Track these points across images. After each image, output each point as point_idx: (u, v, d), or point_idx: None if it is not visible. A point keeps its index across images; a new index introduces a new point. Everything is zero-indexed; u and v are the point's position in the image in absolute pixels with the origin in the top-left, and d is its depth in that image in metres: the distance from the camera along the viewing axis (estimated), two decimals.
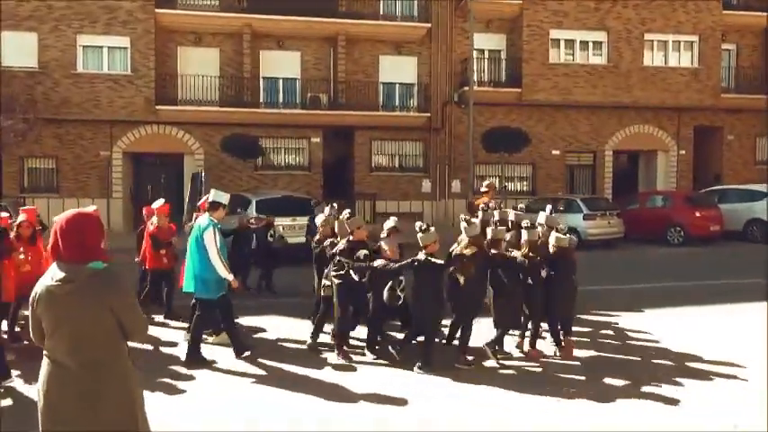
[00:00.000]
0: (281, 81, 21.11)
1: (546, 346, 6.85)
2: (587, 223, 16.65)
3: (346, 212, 7.03)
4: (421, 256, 6.18)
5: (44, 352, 2.80)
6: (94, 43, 19.88)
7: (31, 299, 2.79)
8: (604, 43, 22.00)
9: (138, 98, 19.80)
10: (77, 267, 2.73)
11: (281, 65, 21.04)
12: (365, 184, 21.30)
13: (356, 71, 21.29)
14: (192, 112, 19.96)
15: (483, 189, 10.23)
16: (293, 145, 21.39)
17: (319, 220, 7.65)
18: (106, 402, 2.72)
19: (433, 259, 6.18)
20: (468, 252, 6.26)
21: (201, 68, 20.34)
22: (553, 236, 6.79)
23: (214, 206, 6.53)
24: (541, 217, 7.31)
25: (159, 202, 8.57)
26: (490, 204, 8.62)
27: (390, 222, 6.89)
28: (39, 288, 2.76)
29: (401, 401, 5.34)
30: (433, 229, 6.32)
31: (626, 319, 8.31)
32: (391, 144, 21.84)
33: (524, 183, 22.37)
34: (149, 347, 7.04)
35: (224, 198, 6.67)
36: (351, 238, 6.63)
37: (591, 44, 22.05)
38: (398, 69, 21.57)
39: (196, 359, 6.39)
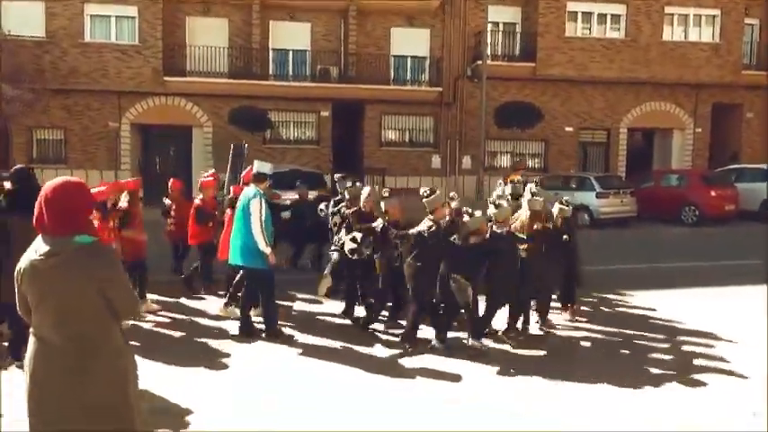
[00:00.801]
0: (290, 53, 20.76)
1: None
2: (600, 201, 16.36)
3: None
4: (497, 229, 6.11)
5: (30, 329, 2.66)
6: (102, 12, 19.61)
7: (15, 273, 2.65)
8: (623, 16, 21.37)
9: (146, 69, 19.56)
10: (62, 240, 2.57)
11: (291, 36, 20.66)
12: (375, 158, 21.05)
13: (367, 44, 20.87)
14: (200, 84, 19.71)
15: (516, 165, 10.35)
16: (302, 118, 21.12)
17: (365, 193, 7.21)
18: (94, 378, 2.59)
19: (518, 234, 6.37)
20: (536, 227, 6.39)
21: (210, 39, 20.04)
22: (557, 207, 6.72)
23: (260, 177, 6.43)
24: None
25: (206, 175, 8.54)
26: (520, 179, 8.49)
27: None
28: (23, 263, 2.61)
29: (447, 376, 5.25)
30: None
31: (637, 299, 8.13)
32: (402, 119, 21.51)
33: (536, 159, 22.00)
34: (197, 320, 7.05)
35: (267, 168, 6.57)
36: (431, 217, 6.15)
37: (609, 17, 21.43)
38: (410, 42, 21.11)
39: (248, 331, 6.40)
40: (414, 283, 6.02)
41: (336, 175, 8.52)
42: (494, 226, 6.20)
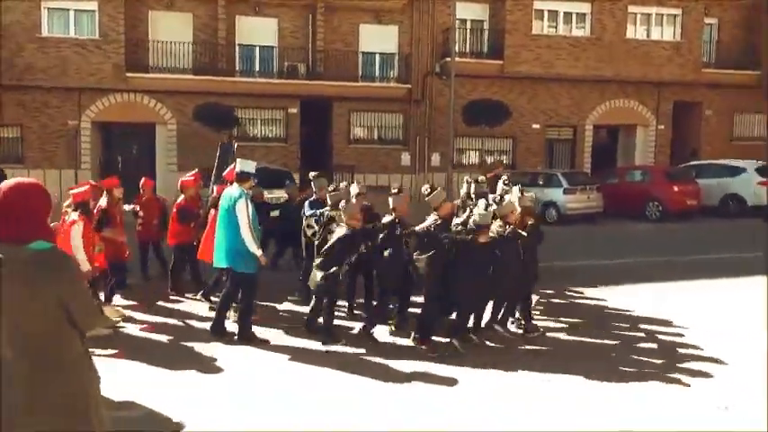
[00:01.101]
0: (257, 49, 20.43)
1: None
2: (567, 197, 16.57)
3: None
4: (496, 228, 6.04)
5: None
6: (60, 6, 18.95)
7: None
8: (588, 15, 21.68)
9: (107, 65, 18.98)
10: (15, 248, 2.39)
11: (258, 32, 20.32)
12: (343, 156, 20.90)
13: (335, 40, 20.69)
14: (163, 80, 19.24)
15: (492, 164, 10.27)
16: (270, 116, 20.82)
17: (354, 191, 7.16)
18: (50, 393, 2.42)
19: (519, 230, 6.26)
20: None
21: (174, 34, 19.56)
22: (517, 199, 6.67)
23: (243, 177, 6.23)
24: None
25: (188, 175, 8.36)
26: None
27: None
28: None
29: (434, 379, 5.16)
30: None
31: (606, 294, 8.22)
32: (370, 116, 21.40)
33: (504, 156, 22.14)
34: (181, 323, 6.88)
35: (251, 167, 6.38)
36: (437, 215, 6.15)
37: (574, 15, 21.72)
38: (379, 39, 21.00)
39: (219, 331, 6.27)
40: (428, 282, 5.92)
41: (311, 174, 8.29)
42: (497, 223, 6.14)
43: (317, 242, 6.71)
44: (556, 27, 21.76)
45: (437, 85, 21.19)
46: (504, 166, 12.35)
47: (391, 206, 6.44)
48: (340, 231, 6.14)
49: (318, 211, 7.10)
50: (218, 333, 6.30)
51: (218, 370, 5.45)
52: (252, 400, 4.78)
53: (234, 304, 6.53)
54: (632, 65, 21.71)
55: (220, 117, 18.62)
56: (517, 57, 21.02)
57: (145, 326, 6.78)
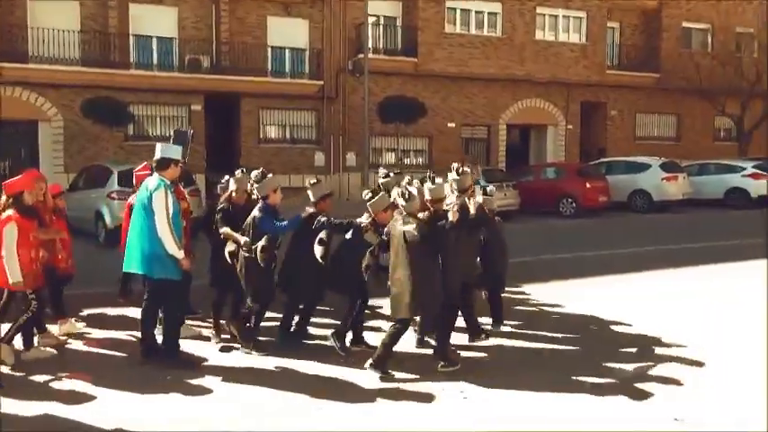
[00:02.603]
0: (154, 40, 18.79)
1: None
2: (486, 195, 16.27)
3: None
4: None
5: None
6: None
7: None
8: (499, 15, 21.77)
9: None
10: None
11: (155, 22, 18.70)
12: (253, 156, 19.65)
13: (241, 32, 19.45)
14: (46, 72, 17.22)
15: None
16: (171, 113, 19.23)
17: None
18: None
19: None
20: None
21: (58, 21, 17.55)
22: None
23: (163, 164, 5.17)
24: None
25: (139, 168, 6.80)
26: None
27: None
28: None
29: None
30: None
31: (533, 290, 7.77)
32: (281, 113, 20.33)
33: (421, 156, 21.81)
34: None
35: (174, 152, 5.33)
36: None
37: (486, 15, 21.73)
38: (289, 33, 20.00)
39: (148, 351, 5.25)
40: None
41: (238, 172, 6.69)
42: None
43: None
44: (468, 26, 21.68)
45: (351, 83, 20.47)
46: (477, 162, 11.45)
47: (312, 199, 5.65)
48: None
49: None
50: (149, 355, 5.20)
51: (186, 391, 4.59)
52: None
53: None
54: (542, 65, 22.04)
55: (113, 113, 17.00)
56: (431, 55, 20.71)
57: (93, 340, 5.85)
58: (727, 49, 24.25)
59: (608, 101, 23.96)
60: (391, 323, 5.05)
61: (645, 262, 9.77)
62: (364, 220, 5.32)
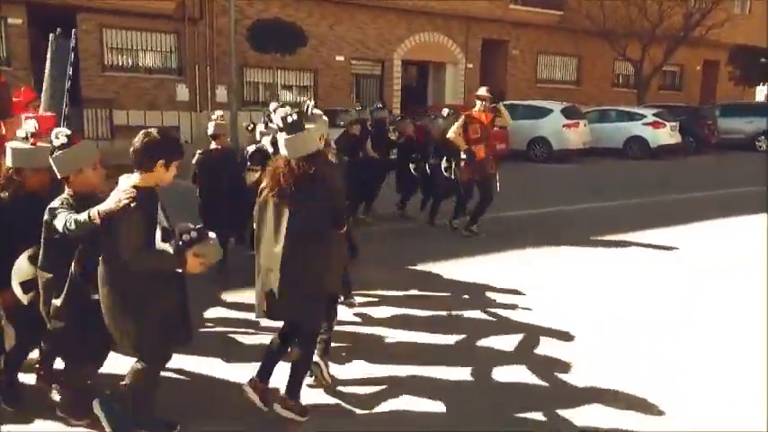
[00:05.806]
0: None
1: None
2: None
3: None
4: None
5: None
6: None
7: None
8: None
9: None
10: None
11: None
12: (96, 87, 16.20)
13: None
14: None
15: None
16: None
17: None
18: None
19: None
20: None
21: None
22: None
23: None
24: None
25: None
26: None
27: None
28: None
29: None
30: None
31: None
32: (131, 35, 16.77)
33: (305, 93, 19.17)
34: None
35: None
36: None
37: None
38: None
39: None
40: None
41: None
42: None
43: None
44: None
45: (219, 1, 17.20)
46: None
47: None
48: None
49: None
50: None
51: None
52: None
53: None
54: None
55: None
56: None
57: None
58: None
59: (510, 39, 22.34)
60: None
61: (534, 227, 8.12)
62: None
